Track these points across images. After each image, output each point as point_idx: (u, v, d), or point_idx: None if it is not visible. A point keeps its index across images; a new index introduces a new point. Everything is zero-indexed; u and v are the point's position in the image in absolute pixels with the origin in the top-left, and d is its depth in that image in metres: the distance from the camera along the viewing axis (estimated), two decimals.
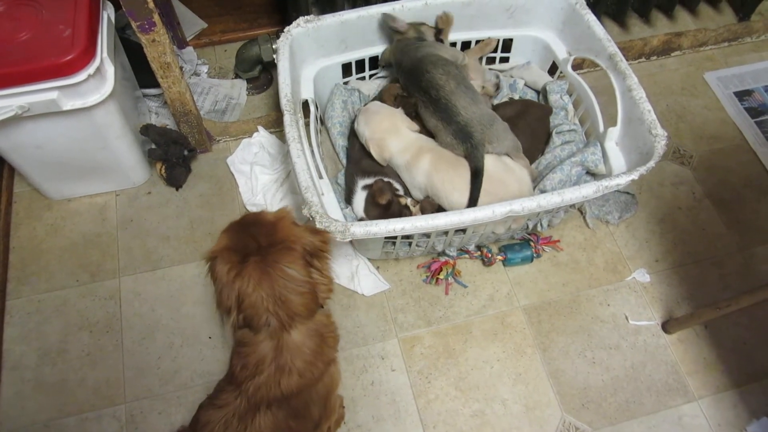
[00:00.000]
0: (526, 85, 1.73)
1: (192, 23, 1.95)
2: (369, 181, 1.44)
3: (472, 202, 1.34)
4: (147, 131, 1.55)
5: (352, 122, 1.65)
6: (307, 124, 1.44)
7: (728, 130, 1.81)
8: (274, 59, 1.46)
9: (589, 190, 1.25)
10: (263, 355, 0.97)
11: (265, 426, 0.97)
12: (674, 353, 1.43)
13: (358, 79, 1.72)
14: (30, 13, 1.27)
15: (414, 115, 1.49)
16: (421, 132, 1.47)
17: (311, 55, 1.57)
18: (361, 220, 1.44)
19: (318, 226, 1.19)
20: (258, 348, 0.97)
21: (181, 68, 1.47)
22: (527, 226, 1.49)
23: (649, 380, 1.39)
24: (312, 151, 1.36)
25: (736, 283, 1.53)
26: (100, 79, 1.30)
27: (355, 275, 1.50)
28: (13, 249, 1.55)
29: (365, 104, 1.57)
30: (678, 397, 1.37)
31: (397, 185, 1.47)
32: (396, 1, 1.54)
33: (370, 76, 1.73)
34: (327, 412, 1.10)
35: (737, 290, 1.51)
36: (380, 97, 1.60)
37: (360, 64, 1.67)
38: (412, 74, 1.45)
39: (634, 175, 1.27)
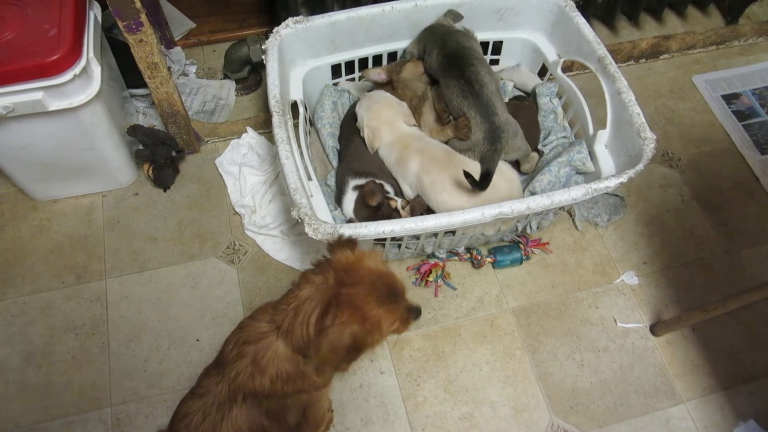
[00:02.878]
0: (515, 87, 1.73)
1: (180, 23, 1.93)
2: (360, 181, 1.44)
3: (483, 185, 1.34)
4: (134, 132, 1.54)
5: (342, 123, 1.65)
6: (296, 125, 1.43)
7: (716, 133, 1.83)
8: (263, 60, 1.45)
9: (578, 192, 1.25)
10: (254, 342, 0.97)
11: (241, 419, 0.96)
12: (662, 356, 1.43)
13: (347, 80, 1.72)
14: (15, 13, 1.25)
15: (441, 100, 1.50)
16: (415, 126, 1.50)
17: (300, 56, 1.57)
18: (350, 221, 1.43)
19: (306, 228, 1.18)
20: (255, 334, 0.97)
21: (169, 68, 1.45)
22: (516, 228, 1.49)
23: (637, 382, 1.40)
24: (301, 153, 1.36)
25: (724, 285, 1.54)
26: (86, 79, 1.29)
27: None
28: None
29: (369, 91, 1.60)
30: (666, 400, 1.38)
31: (388, 187, 1.46)
32: (386, 2, 1.53)
33: (360, 78, 1.73)
34: (309, 422, 1.09)
35: (724, 293, 1.52)
36: (399, 69, 1.58)
37: (349, 65, 1.67)
38: (456, 59, 1.45)
39: (623, 178, 1.27)
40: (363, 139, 1.51)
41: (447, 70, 1.47)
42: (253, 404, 0.98)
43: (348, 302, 0.92)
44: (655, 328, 1.45)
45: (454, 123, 1.47)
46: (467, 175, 1.30)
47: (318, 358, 0.94)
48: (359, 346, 0.94)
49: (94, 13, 1.37)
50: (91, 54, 1.29)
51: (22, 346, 1.39)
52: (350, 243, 1.00)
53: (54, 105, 1.26)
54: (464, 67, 1.44)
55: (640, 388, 1.39)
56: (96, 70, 1.31)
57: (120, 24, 1.26)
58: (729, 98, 1.90)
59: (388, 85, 1.60)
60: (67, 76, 1.23)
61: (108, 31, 1.63)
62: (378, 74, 1.59)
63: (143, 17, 1.26)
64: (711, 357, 1.43)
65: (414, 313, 1.02)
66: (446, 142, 1.49)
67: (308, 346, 0.93)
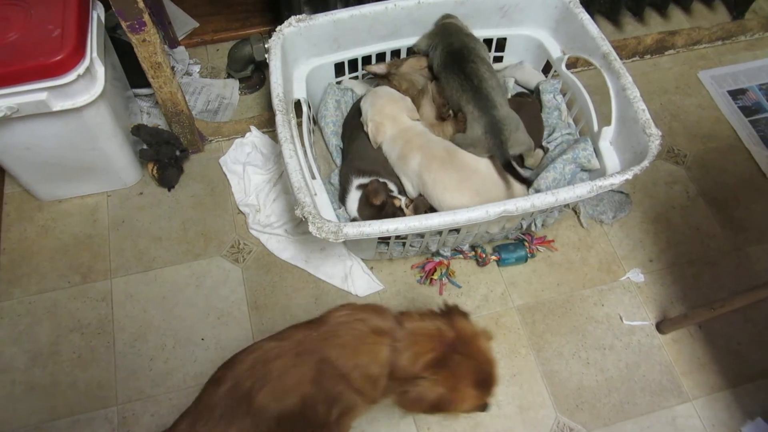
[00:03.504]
0: (517, 83, 1.72)
1: (183, 22, 1.93)
2: (364, 180, 1.44)
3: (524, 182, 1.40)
4: (138, 131, 1.54)
5: (345, 121, 1.64)
6: (299, 124, 1.43)
7: (722, 129, 1.81)
8: (266, 59, 1.45)
9: (583, 189, 1.25)
10: (372, 332, 1.02)
11: (299, 376, 0.99)
12: (668, 353, 1.43)
13: (350, 78, 1.71)
14: (18, 13, 1.25)
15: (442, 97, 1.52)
16: (419, 121, 1.50)
17: (303, 55, 1.56)
18: (354, 220, 1.43)
19: (310, 227, 1.18)
20: (374, 330, 1.03)
21: (172, 68, 1.46)
22: (521, 226, 1.49)
23: (644, 381, 1.39)
24: (305, 152, 1.35)
25: (730, 283, 1.53)
26: (90, 79, 1.29)
27: (348, 276, 1.50)
28: (4, 251, 1.53)
29: (375, 86, 1.60)
30: (672, 398, 1.37)
31: (392, 186, 1.46)
32: (389, 0, 1.53)
33: (363, 76, 1.72)
34: (338, 425, 1.09)
35: (731, 290, 1.51)
36: (399, 64, 1.60)
37: (353, 64, 1.66)
38: (458, 56, 1.47)
39: (628, 175, 1.26)
40: (366, 135, 1.51)
41: (448, 66, 1.47)
42: (318, 371, 1.00)
43: (453, 367, 1.00)
44: (661, 326, 1.45)
45: (454, 119, 1.47)
46: (510, 169, 1.35)
47: (399, 388, 1.01)
48: (434, 406, 1.01)
49: (98, 13, 1.37)
50: (95, 54, 1.29)
51: (28, 346, 1.40)
52: (465, 314, 1.09)
53: (58, 105, 1.26)
54: (464, 64, 1.45)
55: (647, 386, 1.38)
56: (100, 70, 1.31)
57: (123, 24, 1.26)
58: (735, 94, 1.88)
59: (385, 79, 1.60)
60: (70, 76, 1.23)
61: (111, 31, 1.63)
62: (379, 66, 1.60)
63: (146, 17, 1.26)
64: (718, 355, 1.42)
65: (487, 408, 1.08)
66: (450, 138, 1.49)
67: (404, 375, 1.00)
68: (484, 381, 1.04)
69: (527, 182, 1.42)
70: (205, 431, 0.97)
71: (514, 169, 1.37)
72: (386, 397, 1.06)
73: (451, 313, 1.08)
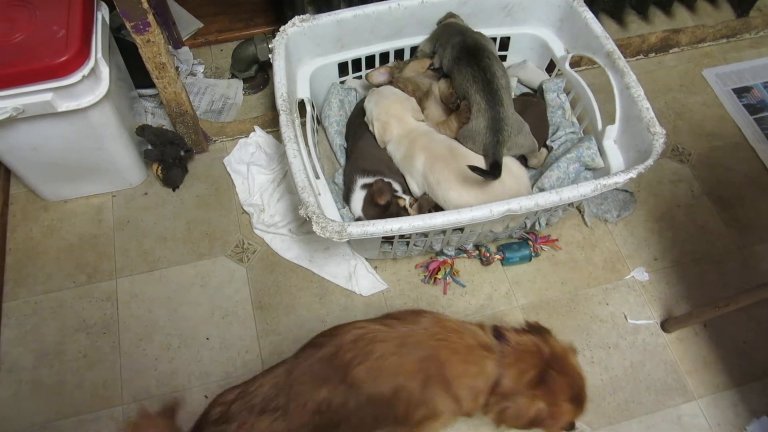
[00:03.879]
0: (520, 82, 1.72)
1: (187, 23, 1.94)
2: (368, 180, 1.44)
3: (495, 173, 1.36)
4: (143, 132, 1.55)
5: (349, 121, 1.64)
6: (303, 124, 1.43)
7: (727, 127, 1.81)
8: (270, 59, 1.45)
9: (587, 188, 1.24)
10: (480, 347, 1.05)
11: (401, 364, 1.01)
12: (673, 352, 1.42)
13: (354, 78, 1.71)
14: (24, 15, 1.26)
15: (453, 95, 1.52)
16: (423, 121, 1.51)
17: (307, 55, 1.57)
18: (358, 219, 1.43)
19: (314, 226, 1.18)
20: (483, 344, 1.05)
21: (176, 68, 1.46)
22: (525, 225, 1.48)
23: (649, 379, 1.39)
24: (309, 151, 1.36)
25: (736, 281, 1.52)
26: (95, 80, 1.29)
27: (352, 275, 1.50)
28: (10, 251, 1.54)
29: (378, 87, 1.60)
30: (677, 397, 1.37)
31: (396, 186, 1.46)
32: (392, 0, 1.53)
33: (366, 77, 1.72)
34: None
35: (737, 289, 1.51)
36: (402, 67, 1.60)
37: (356, 63, 1.66)
38: (474, 50, 1.46)
39: (633, 174, 1.26)
40: (371, 135, 1.51)
41: (462, 59, 1.46)
42: (422, 368, 1.01)
43: (551, 384, 1.03)
44: (666, 325, 1.44)
45: (456, 112, 1.47)
46: (473, 168, 1.30)
47: (497, 404, 1.03)
48: (533, 421, 1.04)
49: (102, 14, 1.38)
50: (100, 55, 1.30)
51: (34, 346, 1.41)
52: (549, 330, 1.12)
53: (63, 106, 1.27)
54: (480, 59, 1.44)
55: (652, 385, 1.38)
56: (104, 70, 1.31)
57: (127, 24, 1.26)
58: (740, 91, 1.88)
59: (390, 83, 1.60)
60: (76, 77, 1.23)
61: (116, 31, 1.63)
62: (381, 74, 1.60)
63: (150, 18, 1.27)
64: (723, 353, 1.42)
65: (573, 428, 1.12)
66: (455, 134, 1.48)
67: (507, 391, 1.03)
68: (578, 397, 1.07)
69: (492, 176, 1.37)
70: (299, 381, 1.00)
71: (497, 170, 1.36)
72: (480, 411, 1.07)
73: (540, 329, 1.10)
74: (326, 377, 1.00)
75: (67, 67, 1.22)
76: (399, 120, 1.47)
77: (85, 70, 1.24)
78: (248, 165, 1.66)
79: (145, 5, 1.24)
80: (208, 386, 1.36)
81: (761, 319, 1.46)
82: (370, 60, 1.67)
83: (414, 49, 1.66)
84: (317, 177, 1.34)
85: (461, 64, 1.46)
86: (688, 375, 1.39)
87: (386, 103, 1.49)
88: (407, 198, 1.44)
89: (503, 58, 1.76)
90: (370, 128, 1.51)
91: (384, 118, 1.47)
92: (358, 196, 1.44)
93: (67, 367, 1.38)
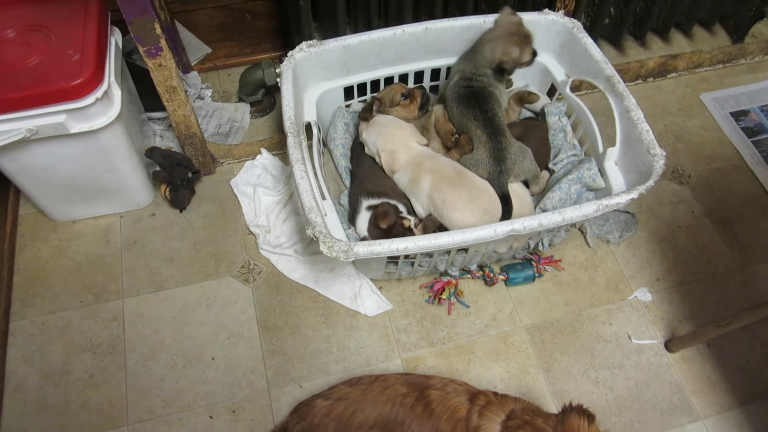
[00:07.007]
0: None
1: (196, 48, 1.98)
2: (374, 201, 1.46)
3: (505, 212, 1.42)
4: (152, 154, 1.57)
5: (353, 144, 1.67)
6: (310, 146, 1.46)
7: (725, 149, 1.84)
8: (277, 83, 1.48)
9: (589, 208, 1.26)
10: (483, 415, 1.11)
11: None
12: (678, 372, 1.43)
13: (359, 101, 1.75)
14: (40, 39, 1.30)
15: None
16: (426, 146, 1.53)
17: (314, 79, 1.60)
18: (363, 239, 1.45)
19: (321, 246, 1.20)
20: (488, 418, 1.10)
21: (186, 92, 1.49)
22: (529, 246, 1.50)
23: (654, 399, 1.39)
24: (315, 173, 1.38)
25: (738, 301, 1.53)
26: (108, 102, 1.32)
27: (357, 296, 1.51)
28: (18, 270, 1.55)
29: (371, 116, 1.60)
30: (683, 417, 1.37)
31: (401, 206, 1.48)
32: (397, 27, 1.57)
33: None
34: None
35: (739, 308, 1.52)
36: (386, 96, 1.62)
37: (362, 87, 1.70)
38: (479, 94, 1.50)
39: (634, 194, 1.28)
40: (376, 163, 1.53)
41: (467, 99, 1.50)
42: None
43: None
44: (669, 345, 1.45)
45: (459, 147, 1.50)
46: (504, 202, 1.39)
47: None
48: None
49: (115, 39, 1.41)
50: (113, 78, 1.33)
51: (40, 365, 1.41)
52: (590, 416, 1.04)
53: (76, 127, 1.30)
54: (483, 103, 1.48)
55: (657, 405, 1.38)
56: (117, 93, 1.35)
57: (141, 49, 1.30)
58: (737, 115, 1.91)
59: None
60: (89, 99, 1.26)
61: (127, 56, 1.67)
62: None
63: (163, 42, 1.30)
64: (727, 373, 1.42)
65: None
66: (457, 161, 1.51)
67: None
68: None
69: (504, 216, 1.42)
70: None
71: (507, 204, 1.41)
72: None
73: (566, 414, 1.03)
74: None
75: (81, 90, 1.25)
76: (405, 147, 1.49)
77: (99, 92, 1.27)
78: (255, 186, 1.68)
79: (158, 31, 1.27)
80: (213, 406, 1.36)
81: (765, 338, 1.47)
82: (375, 84, 1.70)
83: (418, 75, 1.70)
84: (323, 198, 1.36)
85: (464, 105, 1.50)
86: (693, 395, 1.40)
87: (389, 131, 1.51)
88: (412, 219, 1.46)
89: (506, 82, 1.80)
90: (376, 160, 1.52)
91: (390, 147, 1.49)
92: (364, 218, 1.45)
93: (73, 387, 1.38)
